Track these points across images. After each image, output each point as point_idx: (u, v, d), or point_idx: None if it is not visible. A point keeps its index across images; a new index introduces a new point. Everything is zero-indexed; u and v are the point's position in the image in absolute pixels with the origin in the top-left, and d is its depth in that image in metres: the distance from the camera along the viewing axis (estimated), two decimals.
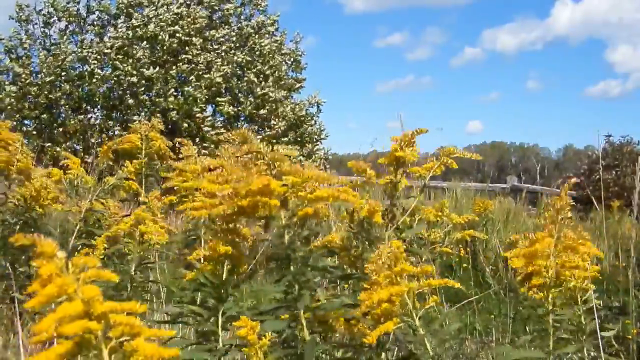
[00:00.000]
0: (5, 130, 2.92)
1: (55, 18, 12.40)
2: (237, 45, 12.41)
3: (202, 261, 1.59)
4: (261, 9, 13.09)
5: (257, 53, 12.33)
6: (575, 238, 1.63)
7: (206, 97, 11.58)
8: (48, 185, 2.87)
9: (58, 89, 11.59)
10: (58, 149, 10.75)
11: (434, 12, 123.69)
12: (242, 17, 13.01)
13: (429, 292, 1.47)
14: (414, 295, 1.43)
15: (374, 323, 1.41)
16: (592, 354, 1.68)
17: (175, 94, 11.46)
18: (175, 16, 11.56)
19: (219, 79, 11.53)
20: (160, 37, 11.36)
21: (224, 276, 1.56)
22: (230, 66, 11.81)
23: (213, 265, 1.54)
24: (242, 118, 12.42)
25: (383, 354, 1.49)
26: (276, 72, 12.40)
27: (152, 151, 3.18)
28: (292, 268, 1.60)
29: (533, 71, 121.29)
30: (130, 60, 11.29)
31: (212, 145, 11.39)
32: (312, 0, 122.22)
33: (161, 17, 11.44)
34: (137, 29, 11.43)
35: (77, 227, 2.88)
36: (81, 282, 0.82)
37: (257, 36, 12.47)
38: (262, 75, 12.26)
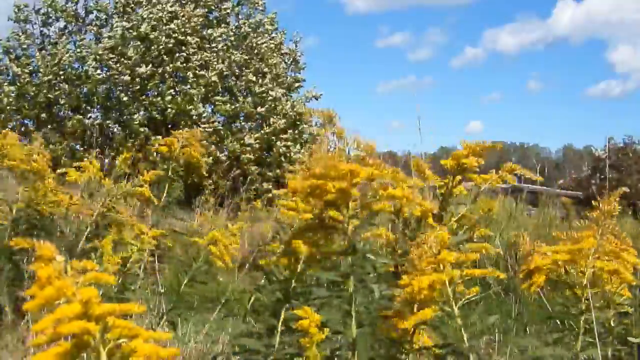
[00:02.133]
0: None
1: (54, 18, 12.38)
2: (235, 44, 12.38)
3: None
4: (259, 7, 13.04)
5: (255, 52, 12.31)
6: (619, 243, 1.64)
7: (203, 95, 11.55)
8: (55, 187, 2.89)
9: (57, 88, 11.58)
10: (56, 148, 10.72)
11: (435, 12, 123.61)
12: (239, 17, 12.99)
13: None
14: (455, 284, 1.42)
15: (412, 310, 1.40)
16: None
17: (173, 93, 11.43)
18: (169, 14, 11.51)
19: (215, 78, 11.50)
20: (152, 36, 11.31)
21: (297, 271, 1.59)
22: (226, 64, 11.77)
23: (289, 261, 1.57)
24: (242, 117, 12.41)
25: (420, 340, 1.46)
26: (274, 70, 12.37)
27: (184, 158, 3.19)
28: (349, 259, 1.55)
29: (534, 71, 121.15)
30: (123, 60, 11.26)
31: (207, 142, 11.34)
32: (314, 0, 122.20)
33: (154, 16, 11.40)
34: (131, 30, 11.40)
35: (88, 230, 2.89)
36: (80, 285, 0.82)
37: (254, 34, 12.44)
38: (260, 74, 12.23)
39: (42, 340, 0.82)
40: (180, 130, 3.31)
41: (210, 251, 2.42)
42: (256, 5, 13.00)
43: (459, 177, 1.82)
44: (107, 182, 3.09)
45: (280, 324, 1.59)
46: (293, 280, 1.65)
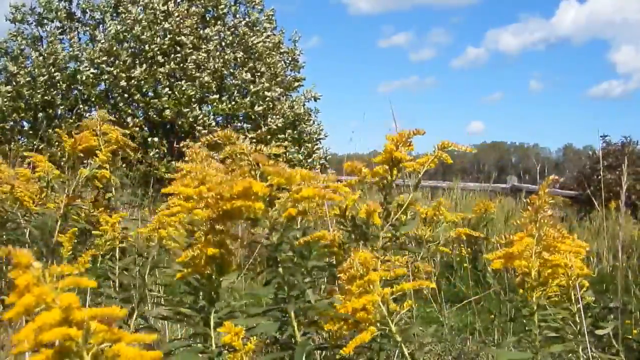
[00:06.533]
0: None
1: (49, 18, 12.34)
2: (232, 44, 12.33)
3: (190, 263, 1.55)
4: (258, 7, 12.98)
5: (253, 51, 12.26)
6: (556, 236, 1.61)
7: (199, 95, 11.49)
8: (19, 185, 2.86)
9: (53, 89, 11.53)
10: (54, 149, 10.67)
11: (438, 12, 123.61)
12: (237, 16, 12.93)
13: (409, 294, 1.46)
14: (388, 301, 1.43)
15: (351, 332, 1.41)
16: (592, 353, 1.66)
17: (169, 92, 11.38)
18: (163, 14, 11.46)
19: (207, 78, 11.44)
20: (144, 36, 11.26)
21: (213, 277, 1.53)
22: (220, 63, 11.70)
23: (201, 267, 1.51)
24: (241, 117, 12.37)
25: None
26: (271, 69, 12.32)
27: (111, 145, 3.06)
28: (280, 269, 1.58)
29: (536, 71, 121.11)
30: (117, 62, 11.20)
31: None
32: (317, 0, 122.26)
33: (146, 17, 11.35)
34: (125, 33, 11.35)
35: (59, 224, 2.82)
36: (59, 291, 0.81)
37: (251, 33, 12.39)
38: (257, 73, 12.18)
39: (25, 348, 0.81)
40: (89, 119, 3.16)
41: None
42: (254, 3, 12.94)
43: (395, 170, 1.81)
44: (57, 172, 2.99)
45: (212, 330, 1.55)
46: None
